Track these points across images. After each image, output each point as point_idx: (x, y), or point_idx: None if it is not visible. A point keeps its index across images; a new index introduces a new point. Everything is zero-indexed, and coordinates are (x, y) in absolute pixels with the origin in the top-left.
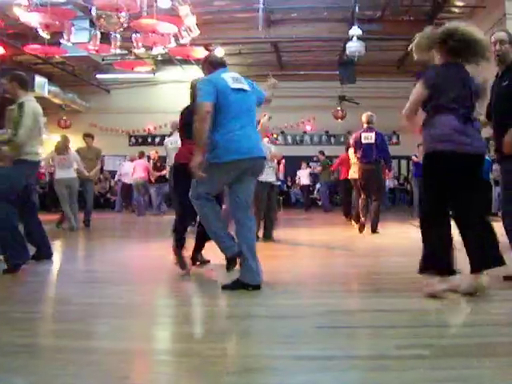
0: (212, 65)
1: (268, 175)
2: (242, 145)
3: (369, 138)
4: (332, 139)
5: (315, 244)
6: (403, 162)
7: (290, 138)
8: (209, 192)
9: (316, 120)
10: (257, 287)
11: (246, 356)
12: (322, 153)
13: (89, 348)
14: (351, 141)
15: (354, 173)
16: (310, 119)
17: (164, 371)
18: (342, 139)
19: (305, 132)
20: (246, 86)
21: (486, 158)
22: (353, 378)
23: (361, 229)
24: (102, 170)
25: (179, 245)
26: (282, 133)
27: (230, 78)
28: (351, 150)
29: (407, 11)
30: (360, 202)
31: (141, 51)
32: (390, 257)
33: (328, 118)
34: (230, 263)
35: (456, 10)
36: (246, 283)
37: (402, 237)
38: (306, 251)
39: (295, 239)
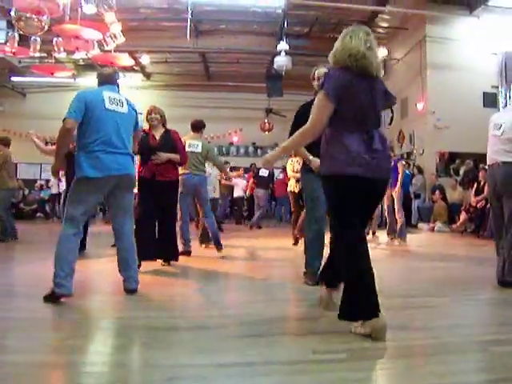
0: (98, 80)
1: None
2: (107, 164)
3: None
4: (259, 151)
5: (241, 256)
6: None
7: (216, 149)
8: (82, 211)
9: (243, 132)
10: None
11: (168, 366)
12: (226, 162)
13: (2, 362)
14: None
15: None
16: (236, 130)
17: (85, 383)
18: (269, 151)
19: (231, 143)
20: (123, 109)
21: (406, 171)
22: (273, 382)
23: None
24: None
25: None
26: (208, 143)
27: (108, 97)
28: (290, 163)
29: (334, 29)
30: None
31: (62, 55)
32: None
33: (255, 129)
34: (48, 298)
35: (380, 30)
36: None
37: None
38: (229, 263)
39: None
